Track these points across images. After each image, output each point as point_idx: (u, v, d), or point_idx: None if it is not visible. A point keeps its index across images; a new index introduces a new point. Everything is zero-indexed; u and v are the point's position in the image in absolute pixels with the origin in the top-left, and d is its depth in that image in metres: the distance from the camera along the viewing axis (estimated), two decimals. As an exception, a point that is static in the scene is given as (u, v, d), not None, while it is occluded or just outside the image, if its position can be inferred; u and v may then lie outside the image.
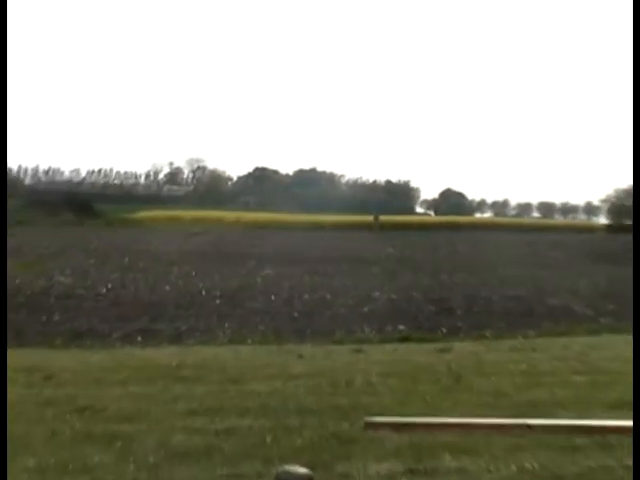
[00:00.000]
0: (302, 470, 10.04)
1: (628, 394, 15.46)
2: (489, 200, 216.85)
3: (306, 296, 40.16)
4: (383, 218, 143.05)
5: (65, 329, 29.15)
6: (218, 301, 37.32)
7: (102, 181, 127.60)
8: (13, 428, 13.03)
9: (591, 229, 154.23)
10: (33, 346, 24.92)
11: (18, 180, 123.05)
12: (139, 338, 27.07)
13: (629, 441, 11.94)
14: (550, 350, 23.32)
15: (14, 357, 21.79)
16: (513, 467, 11.00)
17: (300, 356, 21.96)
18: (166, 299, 38.08)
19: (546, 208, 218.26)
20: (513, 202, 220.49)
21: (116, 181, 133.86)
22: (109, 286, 42.82)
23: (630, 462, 10.88)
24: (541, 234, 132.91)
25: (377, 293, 41.29)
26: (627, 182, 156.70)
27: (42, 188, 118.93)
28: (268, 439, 12.33)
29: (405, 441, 12.15)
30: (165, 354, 22.80)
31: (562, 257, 75.72)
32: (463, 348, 23.84)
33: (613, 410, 13.84)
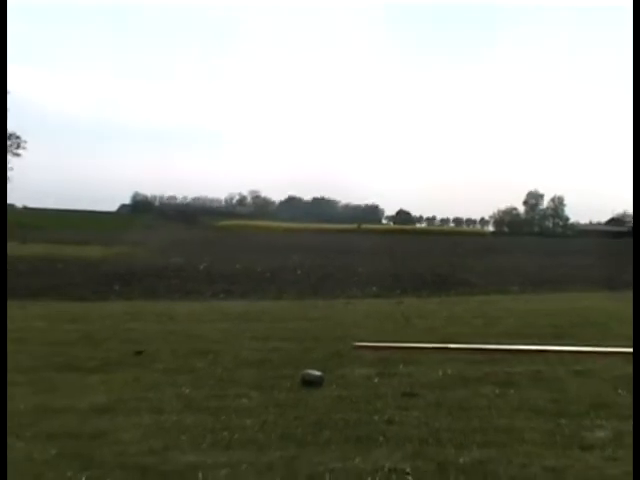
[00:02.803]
0: (317, 372, 10.90)
1: (509, 329, 16.33)
2: (425, 216, 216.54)
3: (318, 270, 41.07)
4: (363, 226, 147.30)
5: (179, 289, 29.82)
6: (267, 274, 37.95)
7: (199, 203, 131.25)
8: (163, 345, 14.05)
9: (483, 234, 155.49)
10: (160, 299, 25.47)
11: (151, 202, 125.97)
12: (222, 295, 27.70)
13: (511, 357, 12.86)
14: (462, 304, 24.08)
15: (150, 307, 22.70)
16: (440, 372, 11.42)
17: (315, 307, 22.71)
18: (238, 273, 38.78)
19: (458, 221, 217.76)
20: (438, 217, 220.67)
21: (207, 203, 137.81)
22: (204, 264, 43.37)
23: (510, 369, 11.73)
24: (454, 237, 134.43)
25: (360, 269, 42.13)
26: (505, 204, 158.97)
27: (165, 207, 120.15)
28: (297, 355, 13.01)
29: (378, 357, 12.81)
30: (237, 305, 23.59)
31: (466, 250, 75.84)
32: (410, 302, 24.55)
33: (499, 338, 14.60)
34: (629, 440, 7.43)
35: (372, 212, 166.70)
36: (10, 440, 7.64)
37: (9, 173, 73.85)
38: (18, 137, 73.72)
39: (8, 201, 77.96)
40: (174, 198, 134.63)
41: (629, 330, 16.63)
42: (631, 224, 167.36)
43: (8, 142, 73.37)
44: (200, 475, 6.36)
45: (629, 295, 26.85)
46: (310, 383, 10.60)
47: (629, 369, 11.60)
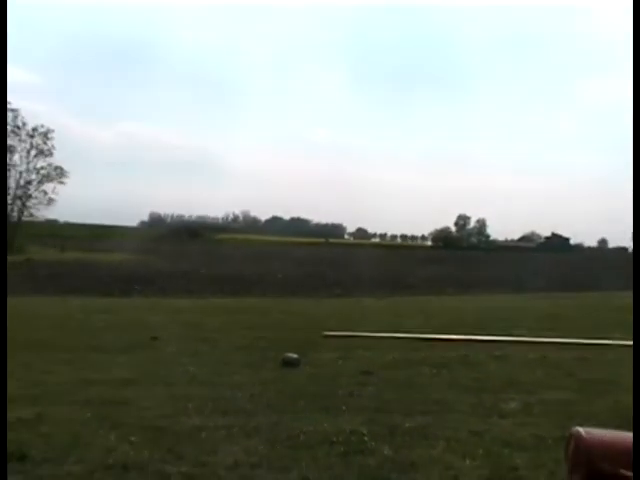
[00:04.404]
0: (294, 355, 10.95)
1: (443, 322, 16.36)
2: (378, 232, 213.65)
3: (295, 275, 41.33)
4: (330, 240, 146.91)
5: (185, 288, 29.92)
6: (254, 277, 38.20)
7: (202, 220, 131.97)
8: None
9: (422, 247, 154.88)
10: (169, 296, 25.44)
11: (163, 219, 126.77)
12: (218, 294, 27.81)
13: (445, 344, 12.94)
14: (407, 303, 24.17)
15: (162, 302, 22.64)
16: (390, 356, 11.49)
17: (292, 304, 22.81)
18: (231, 276, 38.91)
19: (404, 237, 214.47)
20: (389, 233, 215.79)
21: (207, 220, 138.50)
22: (204, 270, 43.47)
23: (444, 354, 11.82)
24: (401, 250, 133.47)
25: (327, 274, 42.42)
26: (440, 224, 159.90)
27: (174, 223, 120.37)
28: (278, 342, 13.00)
29: (342, 344, 12.93)
30: (230, 302, 23.66)
31: (411, 260, 75.91)
32: (367, 301, 24.67)
33: (436, 329, 14.74)
34: (535, 409, 7.57)
35: (336, 229, 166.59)
36: (54, 406, 7.69)
37: (54, 196, 73.55)
38: (62, 169, 73.31)
39: (52, 216, 77.74)
40: (182, 216, 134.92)
41: (531, 322, 16.92)
42: (537, 241, 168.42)
43: (54, 173, 73.05)
44: (203, 435, 6.39)
45: (532, 296, 27.15)
46: (289, 364, 10.64)
47: (536, 355, 11.78)
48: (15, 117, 71.60)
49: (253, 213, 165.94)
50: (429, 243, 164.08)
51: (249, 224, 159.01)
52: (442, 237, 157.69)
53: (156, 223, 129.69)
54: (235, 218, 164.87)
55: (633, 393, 4.45)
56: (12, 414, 7.20)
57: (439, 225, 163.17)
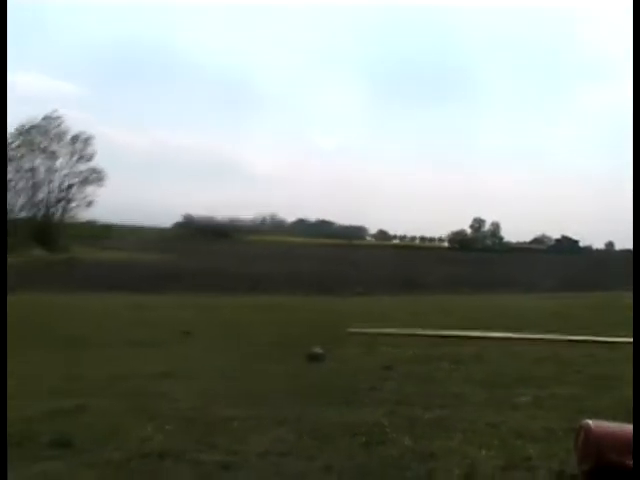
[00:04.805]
0: (320, 350, 10.99)
1: (460, 320, 16.30)
2: (398, 234, 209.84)
3: (321, 274, 41.38)
4: (353, 242, 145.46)
5: (216, 286, 30.00)
6: (283, 276, 38.19)
7: (233, 222, 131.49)
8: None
9: (439, 248, 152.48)
10: (201, 294, 25.44)
11: (197, 221, 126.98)
12: (248, 291, 27.88)
13: (461, 341, 12.92)
14: (424, 301, 24.12)
15: (193, 299, 22.70)
16: (410, 352, 11.53)
17: (319, 301, 22.85)
18: (260, 275, 39.02)
19: (422, 238, 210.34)
20: (408, 235, 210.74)
21: (237, 222, 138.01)
22: (234, 269, 43.57)
23: (460, 350, 11.81)
24: (420, 250, 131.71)
25: (350, 273, 42.35)
26: (456, 227, 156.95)
27: (207, 225, 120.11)
28: (304, 337, 13.01)
29: (365, 340, 12.97)
30: (259, 299, 23.73)
31: (429, 260, 75.32)
32: (385, 300, 24.62)
33: (453, 327, 14.76)
34: (546, 403, 7.54)
35: (359, 231, 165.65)
36: (93, 399, 7.77)
37: (94, 198, 74.35)
38: (101, 172, 74.00)
39: (92, 218, 78.56)
40: (213, 218, 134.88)
41: (542, 321, 16.83)
42: (547, 244, 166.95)
43: (94, 176, 73.73)
44: (234, 425, 6.44)
45: (543, 296, 27.02)
46: (314, 358, 10.68)
47: (547, 352, 11.74)
48: (58, 124, 72.36)
49: (280, 215, 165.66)
50: (446, 245, 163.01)
51: (276, 226, 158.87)
52: (458, 239, 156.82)
53: (189, 224, 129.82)
54: (263, 220, 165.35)
55: (633, 390, 4.47)
56: (54, 404, 7.35)
57: (455, 228, 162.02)
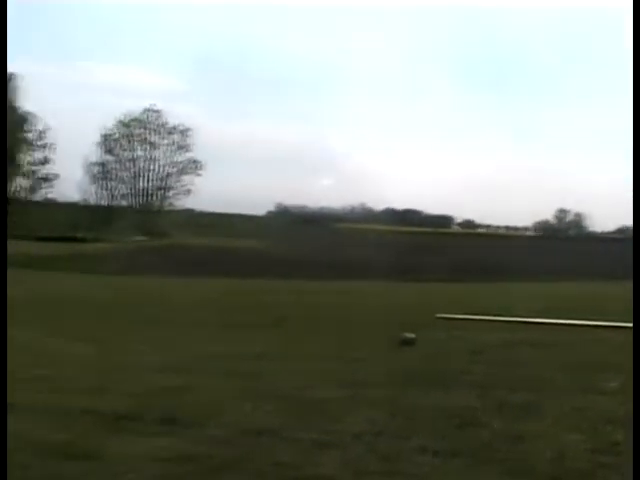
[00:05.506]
0: (411, 335, 10.82)
1: (545, 306, 15.80)
2: (484, 223, 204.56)
3: (407, 261, 40.92)
4: (439, 231, 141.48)
5: (305, 272, 30.13)
6: (370, 263, 37.81)
7: (324, 211, 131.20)
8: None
9: (524, 237, 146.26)
10: (293, 280, 25.57)
11: (289, 210, 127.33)
12: (337, 277, 27.78)
13: (545, 327, 12.54)
14: (514, 289, 23.48)
15: (285, 285, 22.78)
16: (497, 337, 11.25)
17: (404, 287, 22.62)
18: (350, 262, 38.91)
19: (508, 227, 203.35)
20: (494, 224, 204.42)
21: (327, 210, 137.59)
22: (324, 256, 43.50)
23: (544, 337, 11.45)
24: (507, 239, 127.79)
25: (435, 261, 41.66)
26: (542, 216, 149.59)
27: (299, 213, 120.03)
28: (395, 322, 12.87)
29: (453, 325, 12.80)
30: (346, 284, 23.63)
31: (508, 249, 73.09)
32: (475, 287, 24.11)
33: (540, 313, 14.31)
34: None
35: (445, 220, 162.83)
36: (196, 377, 7.91)
37: (191, 187, 75.62)
38: (198, 162, 75.11)
39: (189, 206, 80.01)
40: (305, 206, 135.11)
41: (625, 308, 16.19)
42: (629, 234, 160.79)
43: (191, 166, 75.02)
44: (329, 405, 6.41)
45: (626, 283, 26.01)
46: (406, 343, 10.59)
47: (630, 338, 11.26)
48: (157, 117, 73.87)
49: (369, 204, 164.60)
50: (531, 234, 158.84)
51: (365, 214, 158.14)
52: (543, 229, 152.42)
53: (282, 212, 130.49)
54: (352, 209, 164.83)
55: (633, 391, 4.16)
56: (160, 383, 7.45)
57: (540, 217, 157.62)
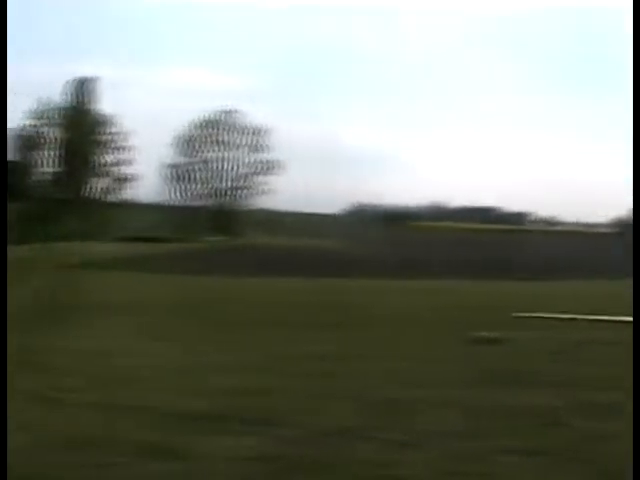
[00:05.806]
0: (488, 334, 10.62)
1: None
2: (569, 221, 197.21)
3: (482, 260, 39.95)
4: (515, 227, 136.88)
5: (379, 271, 29.87)
6: (447, 262, 37.16)
7: (397, 209, 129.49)
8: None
9: (600, 234, 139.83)
10: (362, 278, 25.36)
11: (363, 208, 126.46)
12: (411, 276, 27.44)
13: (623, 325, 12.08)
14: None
15: (362, 284, 22.47)
16: (576, 336, 10.98)
17: (482, 286, 22.13)
18: (423, 259, 38.16)
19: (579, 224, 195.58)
20: (571, 221, 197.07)
21: (402, 209, 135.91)
22: (397, 256, 42.37)
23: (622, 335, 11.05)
24: (572, 236, 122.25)
25: (510, 259, 40.40)
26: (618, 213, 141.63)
27: (373, 212, 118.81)
28: (475, 321, 12.74)
29: (531, 324, 12.57)
30: (421, 283, 23.22)
31: (584, 246, 69.37)
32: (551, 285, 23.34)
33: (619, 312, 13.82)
34: None
35: (522, 217, 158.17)
36: (262, 375, 7.91)
37: (268, 187, 75.04)
38: (275, 162, 74.52)
39: (266, 206, 79.13)
40: (379, 205, 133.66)
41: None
42: None
43: (268, 166, 74.60)
44: (412, 405, 6.29)
45: None
46: (483, 342, 10.43)
47: None
48: (234, 118, 73.76)
49: (443, 202, 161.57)
50: (608, 231, 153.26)
51: (440, 212, 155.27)
52: (619, 225, 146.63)
53: (356, 212, 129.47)
54: (427, 207, 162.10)
55: (633, 391, 3.91)
56: (245, 384, 7.34)
57: (619, 215, 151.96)
